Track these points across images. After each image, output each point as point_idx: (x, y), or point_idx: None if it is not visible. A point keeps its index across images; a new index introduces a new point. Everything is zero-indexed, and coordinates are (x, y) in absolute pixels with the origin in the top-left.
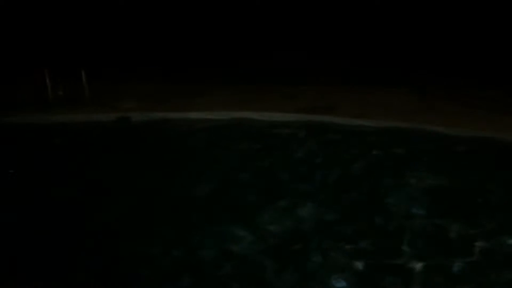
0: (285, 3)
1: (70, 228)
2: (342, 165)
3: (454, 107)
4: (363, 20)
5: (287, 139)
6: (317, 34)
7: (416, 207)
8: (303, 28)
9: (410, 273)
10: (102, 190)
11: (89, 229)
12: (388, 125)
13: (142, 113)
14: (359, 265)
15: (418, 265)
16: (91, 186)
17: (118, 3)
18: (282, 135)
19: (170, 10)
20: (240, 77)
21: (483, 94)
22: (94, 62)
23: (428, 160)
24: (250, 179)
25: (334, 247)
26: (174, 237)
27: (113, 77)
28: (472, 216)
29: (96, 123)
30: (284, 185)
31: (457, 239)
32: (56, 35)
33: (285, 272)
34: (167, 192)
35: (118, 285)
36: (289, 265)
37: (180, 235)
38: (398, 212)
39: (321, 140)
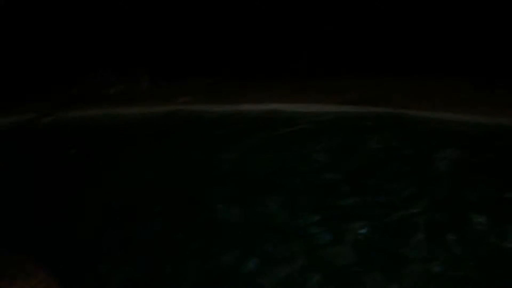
0: None
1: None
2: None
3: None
4: (409, 7)
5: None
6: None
7: None
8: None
9: None
10: (161, 169)
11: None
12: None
13: (196, 106)
14: None
15: None
16: (154, 167)
17: (177, 2)
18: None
19: (223, 7)
20: (288, 71)
21: None
22: (153, 59)
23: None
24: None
25: None
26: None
27: (170, 73)
28: None
29: (153, 114)
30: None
31: None
32: (119, 34)
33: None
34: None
35: None
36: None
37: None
38: None
39: (391, 132)
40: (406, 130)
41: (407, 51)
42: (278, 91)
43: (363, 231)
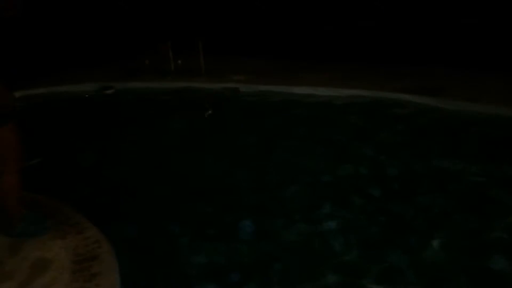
0: None
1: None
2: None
3: None
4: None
5: (397, 118)
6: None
7: None
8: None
9: None
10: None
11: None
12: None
13: (250, 85)
14: None
15: None
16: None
17: None
18: (391, 114)
19: None
20: (343, 55)
21: None
22: (212, 36)
23: None
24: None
25: None
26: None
27: (227, 51)
28: None
29: (209, 90)
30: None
31: None
32: (180, 11)
33: None
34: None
35: None
36: None
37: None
38: None
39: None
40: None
41: (465, 46)
42: (333, 74)
43: None
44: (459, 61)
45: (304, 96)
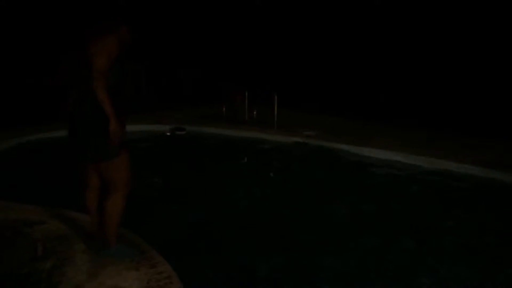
0: None
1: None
2: None
3: None
4: None
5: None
6: None
7: None
8: None
9: None
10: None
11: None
12: None
13: (319, 141)
14: None
15: None
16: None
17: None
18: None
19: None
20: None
21: None
22: (287, 90)
23: None
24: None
25: None
26: None
27: (302, 105)
28: None
29: (279, 143)
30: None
31: None
32: (259, 63)
33: None
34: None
35: None
36: None
37: None
38: None
39: None
40: None
41: None
42: (408, 138)
43: None
44: None
45: (375, 159)
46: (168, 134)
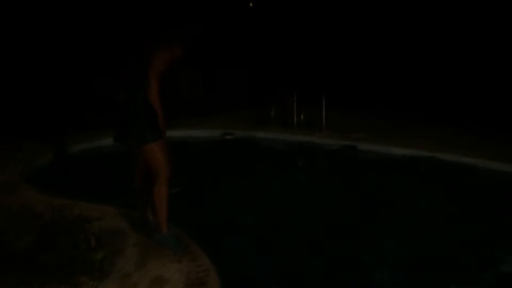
0: None
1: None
2: None
3: None
4: None
5: None
6: None
7: None
8: None
9: None
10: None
11: None
12: None
13: (369, 144)
14: None
15: None
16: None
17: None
18: None
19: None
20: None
21: None
22: (336, 93)
23: None
24: None
25: None
26: None
27: (349, 108)
28: None
29: (327, 145)
30: None
31: None
32: (308, 66)
33: None
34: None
35: None
36: None
37: None
38: None
39: None
40: None
41: None
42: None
43: None
44: None
45: (424, 159)
46: (223, 137)
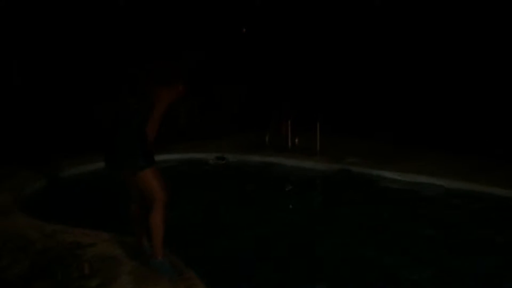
0: None
1: None
2: None
3: None
4: None
5: None
6: None
7: None
8: None
9: None
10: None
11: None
12: None
13: (362, 168)
14: None
15: None
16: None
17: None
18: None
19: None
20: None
21: None
22: (329, 118)
23: None
24: None
25: None
26: None
27: (342, 133)
28: None
29: (321, 171)
30: None
31: None
32: (301, 92)
33: None
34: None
35: None
36: None
37: None
38: None
39: None
40: None
41: None
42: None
43: None
44: None
45: (424, 185)
46: (211, 162)
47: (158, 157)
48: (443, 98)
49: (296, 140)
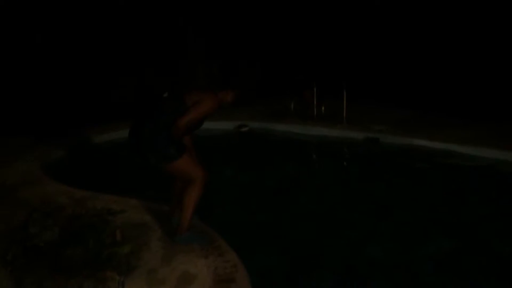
0: None
1: None
2: None
3: None
4: None
5: None
6: None
7: None
8: None
9: None
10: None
11: None
12: None
13: (391, 136)
14: None
15: None
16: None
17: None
18: None
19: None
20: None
21: None
22: (356, 86)
23: None
24: None
25: None
26: None
27: (370, 101)
28: None
29: (349, 139)
30: None
31: None
32: (328, 57)
33: None
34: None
35: None
36: None
37: None
38: None
39: None
40: None
41: None
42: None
43: None
44: None
45: (445, 152)
46: (238, 130)
47: None
48: (471, 66)
49: (322, 108)
